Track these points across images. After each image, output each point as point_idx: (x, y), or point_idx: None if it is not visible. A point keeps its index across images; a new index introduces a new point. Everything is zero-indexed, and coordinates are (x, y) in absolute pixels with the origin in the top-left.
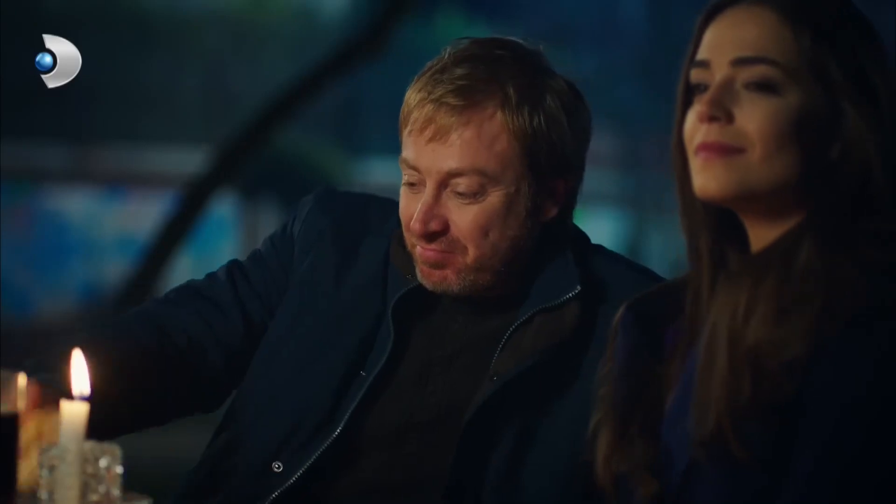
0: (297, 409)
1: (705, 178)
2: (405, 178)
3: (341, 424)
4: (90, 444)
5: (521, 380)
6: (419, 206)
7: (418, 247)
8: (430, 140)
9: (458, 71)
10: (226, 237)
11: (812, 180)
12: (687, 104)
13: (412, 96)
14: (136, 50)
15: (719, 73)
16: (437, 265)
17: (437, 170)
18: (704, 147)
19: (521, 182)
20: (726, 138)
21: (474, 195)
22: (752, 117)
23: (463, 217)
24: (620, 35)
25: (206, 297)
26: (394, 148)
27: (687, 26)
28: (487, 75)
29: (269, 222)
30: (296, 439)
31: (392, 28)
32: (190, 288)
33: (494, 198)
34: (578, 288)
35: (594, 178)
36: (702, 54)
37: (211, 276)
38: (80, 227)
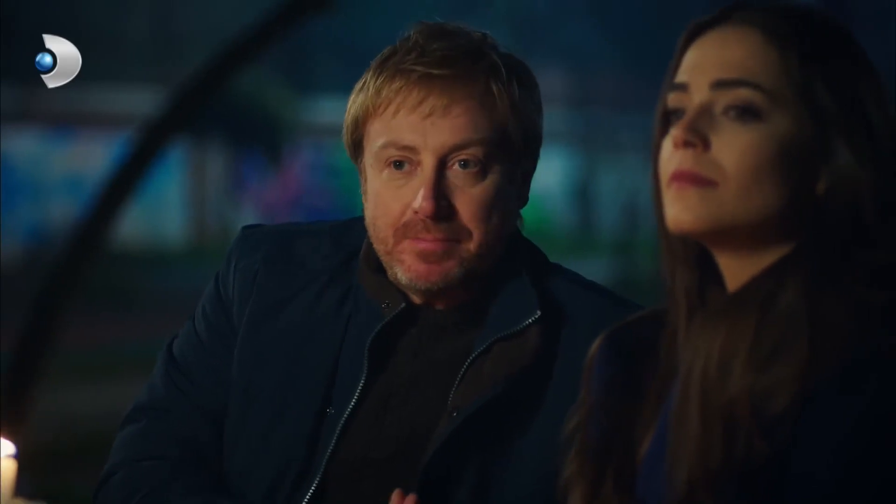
0: (275, 462)
1: (678, 210)
2: (387, 162)
3: (321, 470)
4: (19, 503)
5: (482, 412)
6: (420, 186)
7: (411, 241)
8: (429, 115)
9: (436, 45)
10: (173, 178)
11: (795, 215)
12: (664, 132)
13: (381, 81)
14: None
15: (698, 96)
16: (438, 258)
17: (441, 144)
18: (677, 176)
19: (514, 158)
20: (700, 168)
21: (480, 170)
22: (730, 148)
23: (468, 196)
24: None
25: (168, 409)
26: (342, 86)
27: None
28: (470, 46)
29: (216, 163)
30: (280, 493)
31: None
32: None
33: (496, 174)
34: (538, 313)
35: (545, 117)
36: (680, 77)
37: (152, 389)
38: (26, 168)
